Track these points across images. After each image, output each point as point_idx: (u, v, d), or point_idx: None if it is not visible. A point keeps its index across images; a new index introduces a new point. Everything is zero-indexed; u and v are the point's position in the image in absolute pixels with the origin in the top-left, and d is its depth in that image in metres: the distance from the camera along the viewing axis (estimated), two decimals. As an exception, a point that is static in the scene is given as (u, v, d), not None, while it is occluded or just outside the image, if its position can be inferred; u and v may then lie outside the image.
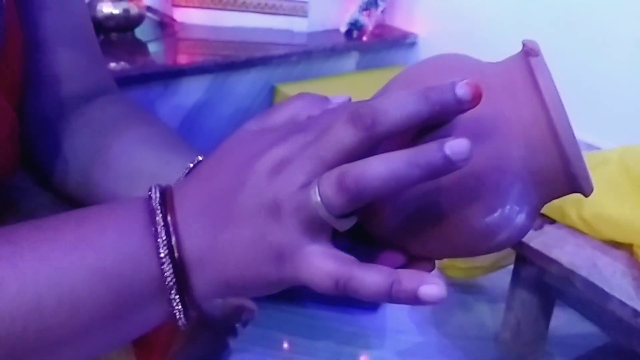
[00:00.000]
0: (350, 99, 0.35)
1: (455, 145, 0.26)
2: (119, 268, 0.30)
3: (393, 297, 0.28)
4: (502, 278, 0.92)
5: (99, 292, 0.30)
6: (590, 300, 0.71)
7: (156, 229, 0.30)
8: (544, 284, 0.81)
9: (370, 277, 0.28)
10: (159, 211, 0.30)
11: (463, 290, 1.19)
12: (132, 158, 0.45)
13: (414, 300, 0.28)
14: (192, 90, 1.35)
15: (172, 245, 0.29)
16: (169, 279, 0.30)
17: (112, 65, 1.28)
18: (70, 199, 0.49)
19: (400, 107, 0.27)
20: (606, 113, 1.20)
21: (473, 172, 0.30)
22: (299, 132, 0.30)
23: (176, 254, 0.29)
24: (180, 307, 0.30)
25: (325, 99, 0.34)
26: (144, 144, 0.46)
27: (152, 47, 1.45)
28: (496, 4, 1.42)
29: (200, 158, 0.43)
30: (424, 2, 1.62)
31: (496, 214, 0.31)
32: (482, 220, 0.31)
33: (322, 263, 0.28)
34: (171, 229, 0.30)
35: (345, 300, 1.14)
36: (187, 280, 0.30)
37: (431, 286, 0.27)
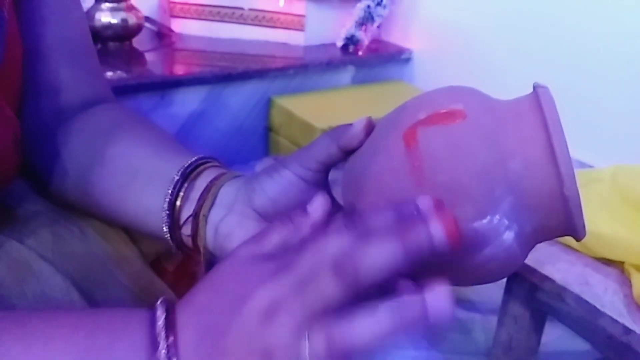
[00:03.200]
0: (365, 131, 0.36)
1: (437, 301, 0.27)
2: None
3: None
4: (494, 293, 0.92)
5: None
6: (582, 317, 0.71)
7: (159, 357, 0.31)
8: (536, 300, 0.82)
9: None
10: (164, 339, 0.31)
11: (455, 304, 1.19)
12: (129, 157, 0.45)
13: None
14: (188, 101, 1.36)
15: None
16: None
17: (109, 74, 1.29)
18: (67, 205, 0.49)
19: (381, 260, 0.28)
20: (600, 132, 1.22)
21: (468, 174, 0.31)
22: (286, 270, 0.31)
23: None
24: None
25: (308, 218, 0.35)
26: (141, 144, 0.46)
27: (150, 57, 1.46)
28: (490, 22, 1.44)
29: (199, 156, 0.43)
30: (420, 18, 1.63)
31: (484, 221, 0.31)
32: (469, 224, 0.31)
33: None
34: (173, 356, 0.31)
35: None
36: None
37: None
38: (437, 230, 0.28)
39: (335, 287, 0.28)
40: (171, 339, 0.31)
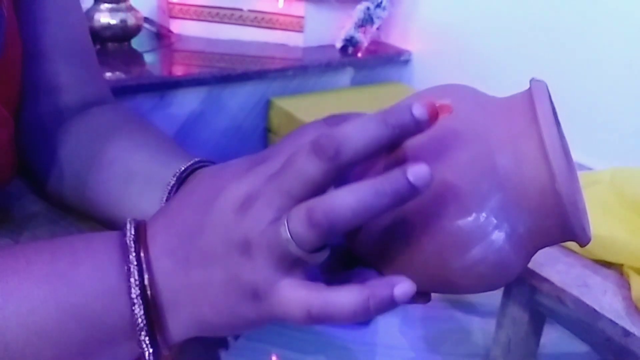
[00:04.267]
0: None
1: (417, 172, 0.26)
2: (91, 306, 0.30)
3: (372, 311, 0.27)
4: (493, 295, 0.92)
5: (68, 329, 0.30)
6: (581, 319, 0.71)
7: (129, 268, 0.29)
8: (535, 302, 0.82)
9: (345, 298, 0.27)
10: (132, 249, 0.30)
11: (454, 307, 1.19)
12: (127, 160, 0.45)
13: (392, 305, 0.27)
14: (187, 102, 1.35)
15: (145, 285, 0.29)
16: (139, 320, 0.29)
17: (108, 75, 1.29)
18: (64, 206, 0.49)
19: (361, 135, 0.27)
20: (598, 134, 1.22)
21: (453, 169, 0.30)
22: (261, 162, 0.30)
23: (149, 295, 0.29)
24: (150, 349, 0.30)
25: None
26: (139, 147, 0.46)
27: (149, 58, 1.46)
28: (489, 25, 1.44)
29: (196, 160, 0.43)
30: (419, 20, 1.64)
31: (470, 218, 0.30)
32: (454, 222, 0.30)
33: (294, 295, 0.28)
34: (144, 267, 0.29)
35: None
36: (160, 321, 0.30)
37: (402, 284, 0.27)
38: (417, 106, 0.27)
39: (313, 165, 0.26)
40: (142, 255, 0.30)
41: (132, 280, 0.29)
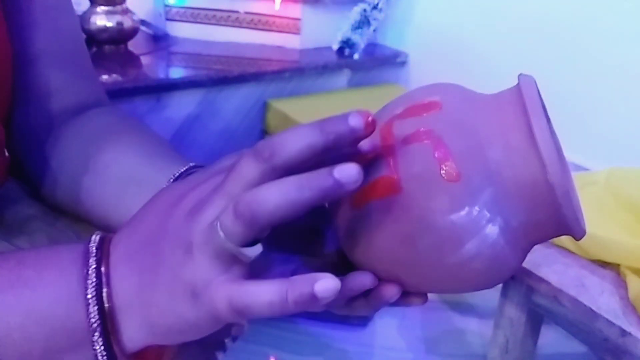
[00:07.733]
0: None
1: (344, 170, 0.27)
2: (54, 311, 0.31)
3: (290, 303, 0.27)
4: (490, 296, 0.92)
5: (32, 335, 0.30)
6: (578, 319, 0.72)
7: (87, 272, 0.30)
8: (533, 302, 0.82)
9: (262, 289, 0.28)
10: (93, 255, 0.31)
11: (452, 308, 1.19)
12: (122, 164, 0.45)
13: (312, 300, 0.27)
14: (184, 104, 1.35)
15: (102, 289, 0.30)
16: (94, 323, 0.30)
17: (105, 77, 1.28)
18: (59, 209, 0.49)
19: (297, 140, 0.28)
20: (595, 135, 1.22)
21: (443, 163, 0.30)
22: (216, 174, 0.31)
23: (104, 298, 0.30)
24: (105, 353, 0.31)
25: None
26: (134, 150, 0.46)
27: (145, 60, 1.45)
28: (486, 27, 1.44)
29: (191, 164, 0.43)
30: (415, 22, 1.64)
31: (463, 212, 0.29)
32: (447, 217, 0.29)
33: (220, 289, 0.28)
34: (103, 271, 0.30)
35: (335, 317, 1.13)
36: (114, 325, 0.31)
37: (325, 280, 0.27)
38: (353, 115, 0.28)
39: (251, 167, 0.28)
40: (102, 265, 0.31)
41: (88, 282, 0.30)
